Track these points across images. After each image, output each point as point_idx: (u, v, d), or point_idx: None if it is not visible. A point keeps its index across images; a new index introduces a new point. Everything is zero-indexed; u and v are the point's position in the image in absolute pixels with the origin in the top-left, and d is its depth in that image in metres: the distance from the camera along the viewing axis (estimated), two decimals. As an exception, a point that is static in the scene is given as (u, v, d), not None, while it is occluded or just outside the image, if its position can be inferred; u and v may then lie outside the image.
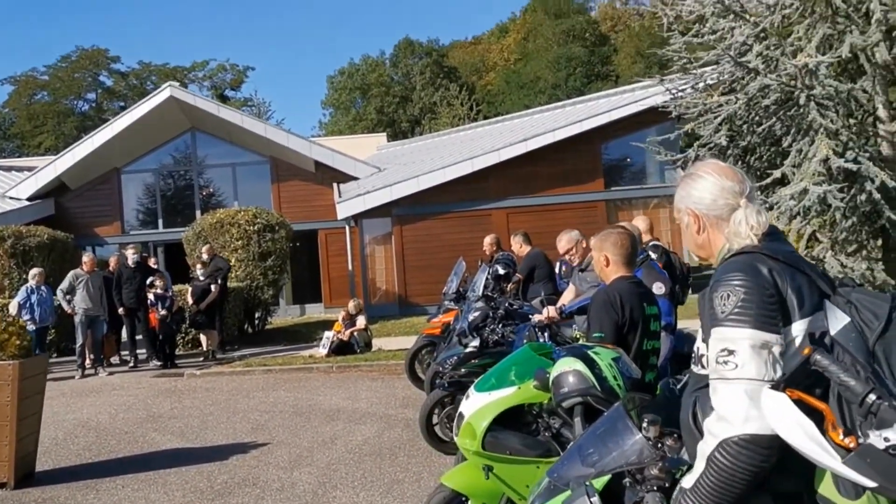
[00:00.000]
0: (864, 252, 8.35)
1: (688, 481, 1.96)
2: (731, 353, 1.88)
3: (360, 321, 12.89)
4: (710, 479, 1.87)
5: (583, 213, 17.35)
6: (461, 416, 3.94)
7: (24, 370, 6.23)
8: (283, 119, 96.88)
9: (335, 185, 19.81)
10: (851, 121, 8.07)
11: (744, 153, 8.80)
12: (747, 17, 8.29)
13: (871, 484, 1.63)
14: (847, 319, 1.88)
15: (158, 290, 12.61)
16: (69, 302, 12.18)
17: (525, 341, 5.37)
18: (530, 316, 6.42)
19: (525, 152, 17.91)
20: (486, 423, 3.76)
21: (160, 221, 20.81)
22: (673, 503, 2.02)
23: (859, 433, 1.71)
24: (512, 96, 51.18)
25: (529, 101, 45.85)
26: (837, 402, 1.79)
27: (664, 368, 4.49)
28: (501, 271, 9.03)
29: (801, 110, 7.64)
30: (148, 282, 12.72)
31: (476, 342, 6.65)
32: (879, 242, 8.45)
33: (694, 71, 9.19)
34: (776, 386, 1.81)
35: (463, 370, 6.30)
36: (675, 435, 2.23)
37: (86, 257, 12.88)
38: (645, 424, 2.22)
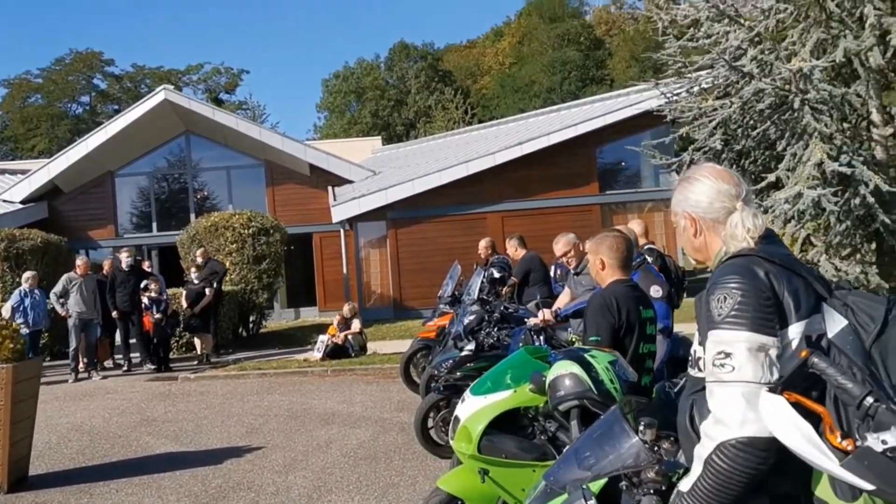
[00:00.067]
0: (858, 256, 8.39)
1: (685, 484, 1.95)
2: (727, 355, 1.88)
3: (355, 325, 12.88)
4: (707, 481, 1.86)
5: (578, 217, 17.36)
6: (457, 419, 3.94)
7: (17, 374, 6.20)
8: (278, 122, 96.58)
9: (330, 188, 19.79)
10: (845, 125, 8.10)
11: (738, 157, 8.83)
12: (742, 21, 8.32)
13: (868, 486, 1.63)
14: (844, 322, 1.88)
15: (153, 294, 12.58)
16: (63, 305, 12.14)
17: (521, 345, 5.38)
18: (526, 319, 6.42)
19: (520, 156, 17.92)
20: (481, 426, 3.76)
21: (154, 225, 20.75)
22: (671, 506, 2.02)
23: (856, 436, 1.71)
24: (507, 100, 51.25)
25: (524, 104, 45.94)
26: (834, 405, 1.79)
27: (661, 372, 4.49)
28: (497, 275, 9.03)
29: (796, 114, 7.67)
30: (142, 285, 12.69)
31: (471, 346, 6.64)
32: (873, 246, 8.48)
33: (689, 75, 9.22)
34: (774, 389, 1.81)
35: (458, 374, 6.29)
36: (672, 438, 2.23)
37: (79, 261, 12.84)
38: (642, 428, 2.22)
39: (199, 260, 13.85)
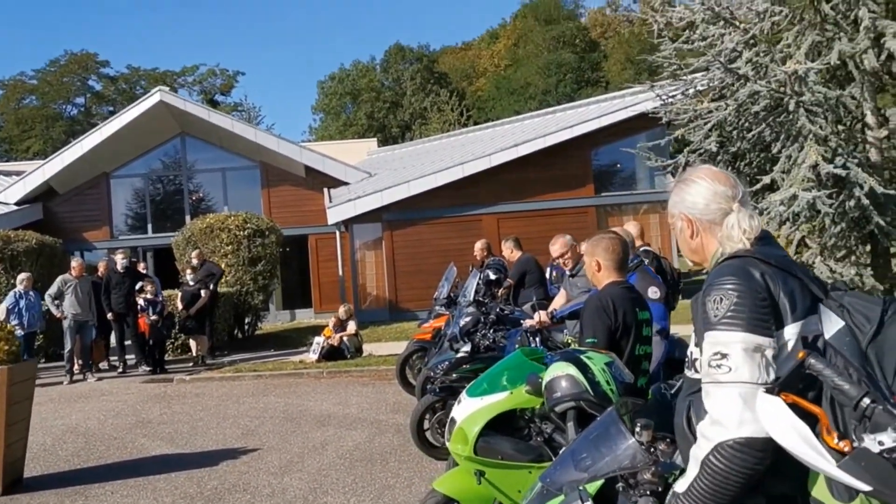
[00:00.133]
0: (853, 257, 8.41)
1: (681, 485, 1.96)
2: (724, 356, 1.89)
3: (351, 326, 12.86)
4: (704, 482, 1.87)
5: (573, 219, 17.38)
6: (453, 421, 3.94)
7: (12, 375, 6.19)
8: (274, 124, 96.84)
9: (325, 190, 19.78)
10: (840, 127, 8.12)
11: (734, 159, 8.83)
12: (737, 23, 8.34)
13: (865, 487, 1.64)
14: (841, 323, 1.89)
15: (149, 296, 12.56)
16: (58, 307, 12.11)
17: (517, 346, 5.38)
18: (521, 321, 6.42)
19: (516, 158, 17.94)
20: (477, 428, 3.76)
21: (149, 226, 20.71)
22: (667, 508, 2.02)
23: (853, 437, 1.71)
24: (502, 102, 51.33)
25: (520, 106, 46.01)
26: (830, 406, 1.80)
27: (657, 373, 4.50)
28: (492, 276, 9.03)
29: (791, 116, 7.68)
30: (137, 287, 12.67)
31: (467, 347, 6.65)
32: (868, 248, 8.50)
33: (684, 77, 9.23)
34: (771, 390, 1.81)
35: (454, 375, 6.29)
36: (668, 439, 2.24)
37: (74, 262, 12.81)
38: (638, 429, 2.22)
39: (195, 262, 13.83)
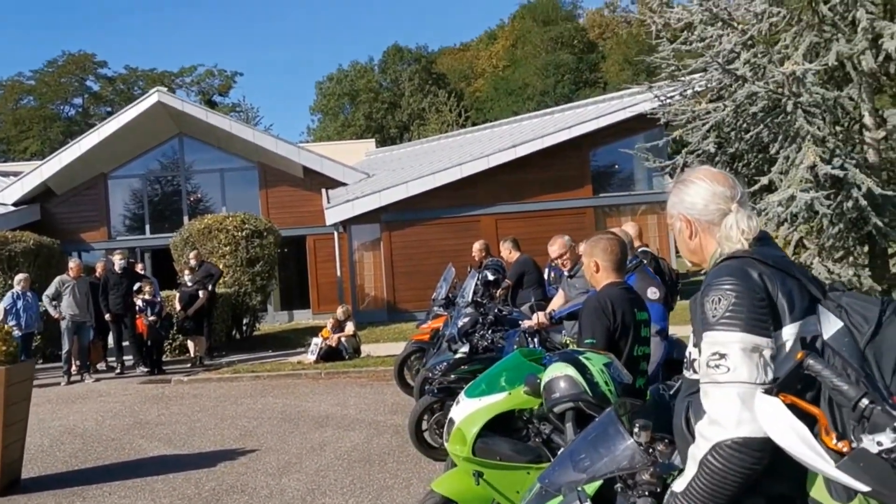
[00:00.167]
0: (851, 258, 8.42)
1: (679, 485, 1.96)
2: (722, 356, 1.89)
3: (349, 327, 12.86)
4: (702, 481, 1.87)
5: (571, 220, 17.39)
6: (451, 421, 3.94)
7: (9, 376, 6.18)
8: (272, 125, 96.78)
9: (324, 190, 19.77)
10: (838, 128, 8.13)
11: (732, 160, 8.84)
12: (735, 24, 8.35)
13: (864, 488, 1.64)
14: (840, 324, 1.89)
15: (147, 296, 12.55)
16: (55, 307, 12.09)
17: (515, 347, 5.38)
18: (520, 322, 6.43)
19: (514, 159, 17.95)
20: (476, 428, 3.76)
21: (147, 227, 20.70)
22: (665, 507, 2.02)
23: (852, 437, 1.72)
24: (500, 103, 51.36)
25: (518, 107, 46.04)
26: (829, 407, 1.80)
27: (657, 374, 4.50)
28: (491, 277, 9.03)
29: (789, 117, 7.69)
30: (136, 287, 12.65)
31: (466, 348, 6.65)
32: (866, 249, 8.51)
33: (682, 78, 9.24)
34: (770, 391, 1.81)
35: (452, 376, 6.29)
36: (667, 440, 2.24)
37: (72, 263, 12.80)
38: (636, 430, 2.22)
39: (193, 262, 13.82)
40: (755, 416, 1.80)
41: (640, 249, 6.56)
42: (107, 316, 12.52)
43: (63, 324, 12.08)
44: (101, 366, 13.34)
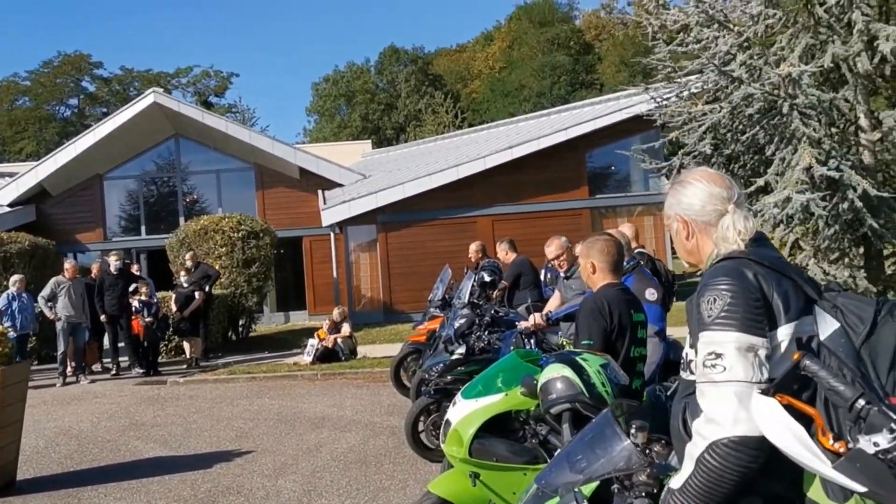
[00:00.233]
0: (847, 260, 8.43)
1: (676, 482, 1.97)
2: (718, 356, 1.90)
3: (345, 328, 12.85)
4: (698, 479, 1.88)
5: (568, 221, 17.39)
6: (448, 423, 3.93)
7: (5, 378, 6.17)
8: (268, 126, 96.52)
9: (320, 191, 19.76)
10: (833, 130, 8.14)
11: (728, 161, 8.86)
12: (731, 26, 8.36)
13: (860, 488, 1.64)
14: (836, 325, 1.90)
15: (143, 297, 12.53)
16: (51, 308, 12.06)
17: (512, 348, 5.38)
18: (516, 323, 6.43)
19: (510, 160, 17.94)
20: (472, 430, 3.76)
21: (143, 228, 20.67)
22: None
23: (848, 438, 1.72)
24: (497, 104, 51.40)
25: (514, 108, 46.08)
26: (824, 407, 1.81)
27: (655, 375, 4.50)
28: (487, 278, 9.04)
29: (784, 119, 7.70)
30: (131, 288, 12.63)
31: (462, 349, 6.65)
32: (861, 250, 8.53)
33: (678, 80, 9.25)
34: (766, 391, 1.82)
35: (449, 377, 6.29)
36: (663, 441, 2.24)
37: (68, 264, 12.77)
38: (633, 431, 2.23)
39: (189, 263, 13.80)
40: (752, 414, 1.81)
41: (636, 251, 6.57)
42: (102, 317, 12.49)
43: (58, 325, 12.06)
44: (96, 367, 13.30)
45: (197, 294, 13.07)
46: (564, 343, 5.43)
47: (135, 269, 14.63)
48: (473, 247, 10.21)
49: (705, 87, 8.91)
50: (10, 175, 20.70)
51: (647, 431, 2.22)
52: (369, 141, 36.60)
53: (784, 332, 1.93)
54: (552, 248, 6.63)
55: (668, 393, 2.55)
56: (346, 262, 18.87)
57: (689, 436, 1.99)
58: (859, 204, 7.40)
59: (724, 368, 1.88)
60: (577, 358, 3.20)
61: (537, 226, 16.69)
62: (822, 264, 8.09)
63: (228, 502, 5.77)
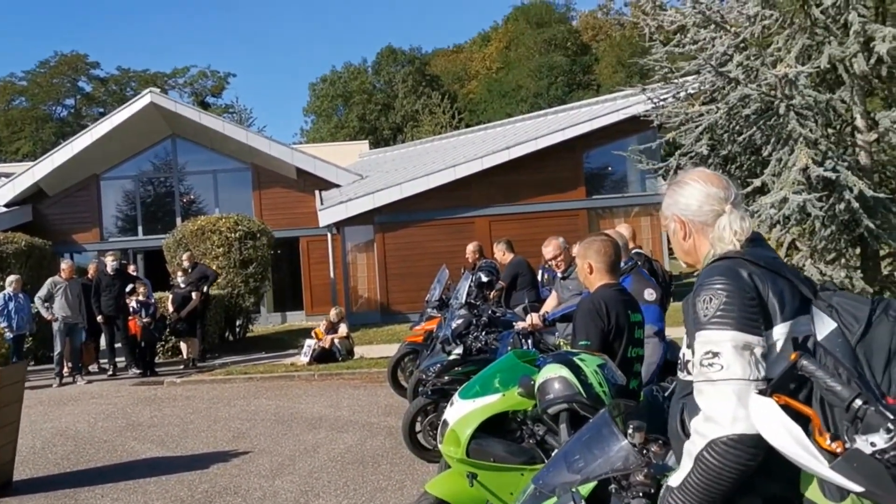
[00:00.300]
0: (843, 260, 8.45)
1: (675, 480, 1.98)
2: (715, 354, 1.91)
3: (342, 329, 12.85)
4: (697, 477, 1.89)
5: (565, 221, 17.39)
6: (445, 423, 3.94)
7: (1, 378, 6.16)
8: (265, 126, 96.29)
9: (317, 192, 19.75)
10: (830, 130, 8.16)
11: (724, 162, 8.87)
12: (728, 27, 8.38)
13: (857, 488, 1.65)
14: (834, 325, 1.91)
15: (141, 297, 12.52)
16: (48, 309, 12.04)
17: (509, 348, 5.38)
18: (513, 323, 6.43)
19: (507, 160, 17.94)
20: (470, 430, 3.76)
21: (140, 228, 20.64)
22: (660, 502, 2.03)
23: (845, 438, 1.73)
24: (494, 105, 51.39)
25: (511, 109, 46.07)
26: (820, 407, 1.82)
27: (655, 375, 4.50)
28: (484, 279, 9.03)
29: (781, 120, 7.71)
30: (129, 289, 12.62)
31: (459, 350, 6.65)
32: (858, 251, 8.55)
33: (675, 80, 9.26)
34: (763, 391, 1.83)
35: (446, 378, 6.30)
36: (660, 441, 2.24)
37: (64, 264, 12.75)
38: (630, 431, 2.23)
39: (186, 264, 13.79)
40: (750, 413, 1.81)
41: (633, 251, 6.57)
42: (99, 318, 12.47)
43: (55, 325, 12.04)
44: (93, 367, 13.29)
45: (194, 294, 13.05)
46: (561, 343, 5.44)
47: (131, 269, 14.61)
48: (471, 247, 10.21)
49: (702, 87, 8.93)
50: (7, 175, 20.65)
51: (644, 431, 2.22)
52: (366, 141, 36.56)
53: (779, 332, 1.94)
54: (549, 249, 6.64)
55: (666, 394, 2.55)
56: (343, 263, 18.86)
57: (688, 436, 2.00)
58: (856, 204, 7.42)
59: (722, 367, 1.89)
60: (575, 358, 3.21)
61: (534, 226, 16.68)
62: (818, 265, 8.11)
63: (225, 503, 5.77)
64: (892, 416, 1.66)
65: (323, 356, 12.33)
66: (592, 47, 56.55)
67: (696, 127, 8.55)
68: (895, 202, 8.09)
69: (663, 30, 9.30)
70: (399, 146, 30.19)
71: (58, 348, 12.09)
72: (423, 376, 6.89)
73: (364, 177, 20.76)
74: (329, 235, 18.99)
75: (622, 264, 4.54)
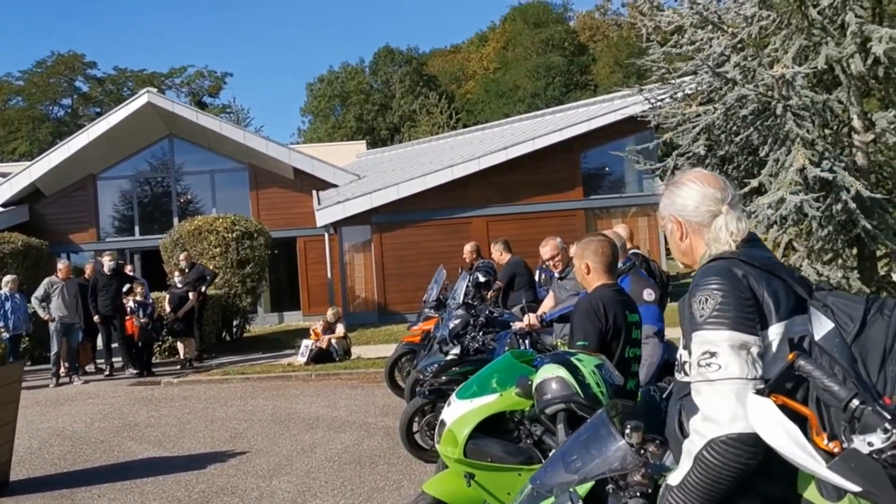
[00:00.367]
0: (840, 260, 8.46)
1: (674, 478, 1.98)
2: (712, 354, 1.91)
3: (339, 329, 12.83)
4: (697, 476, 1.90)
5: (562, 222, 17.40)
6: (443, 423, 3.94)
7: (-2, 378, 6.15)
8: (262, 126, 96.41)
9: (314, 192, 19.74)
10: (827, 131, 8.17)
11: (722, 162, 8.88)
12: (725, 28, 8.38)
13: (854, 488, 1.65)
14: (831, 325, 1.91)
15: (139, 297, 12.50)
16: (45, 309, 12.02)
17: (506, 349, 5.38)
18: (511, 323, 6.43)
19: (505, 161, 17.95)
20: (467, 430, 3.76)
21: (137, 228, 20.61)
22: (660, 500, 2.03)
23: (842, 437, 1.73)
24: (491, 105, 51.39)
25: (509, 109, 46.08)
26: (817, 407, 1.82)
27: (654, 375, 4.50)
28: (482, 279, 9.03)
29: (778, 120, 7.72)
30: (126, 289, 12.60)
31: (457, 350, 6.65)
32: (854, 251, 8.56)
33: (672, 81, 9.26)
34: (761, 391, 1.83)
35: (443, 378, 6.30)
36: (658, 441, 2.25)
37: (61, 264, 12.72)
38: (628, 431, 2.23)
39: (183, 264, 13.78)
40: (748, 412, 1.82)
41: (631, 252, 6.58)
42: (96, 318, 12.45)
43: (52, 325, 12.01)
44: (89, 368, 13.26)
45: (191, 295, 13.04)
46: (559, 344, 5.44)
47: (128, 269, 14.60)
48: (468, 247, 10.21)
49: (699, 88, 8.93)
50: (4, 175, 20.62)
51: (641, 432, 2.22)
52: (364, 141, 36.53)
53: (775, 332, 1.94)
54: (547, 249, 6.64)
55: (664, 395, 2.55)
56: (340, 263, 18.85)
57: (686, 437, 2.00)
58: (853, 205, 7.43)
59: (720, 367, 1.89)
60: (572, 358, 3.21)
61: (532, 226, 16.69)
62: (815, 265, 8.12)
63: (222, 503, 5.76)
64: (888, 417, 1.66)
65: (320, 356, 12.32)
66: (590, 48, 56.58)
67: (694, 127, 8.55)
68: (892, 203, 8.10)
69: (660, 30, 9.31)
70: (396, 146, 30.19)
71: (54, 348, 12.06)
72: (421, 376, 6.89)
73: (361, 177, 20.76)
74: (326, 235, 18.97)
75: (620, 265, 4.55)
